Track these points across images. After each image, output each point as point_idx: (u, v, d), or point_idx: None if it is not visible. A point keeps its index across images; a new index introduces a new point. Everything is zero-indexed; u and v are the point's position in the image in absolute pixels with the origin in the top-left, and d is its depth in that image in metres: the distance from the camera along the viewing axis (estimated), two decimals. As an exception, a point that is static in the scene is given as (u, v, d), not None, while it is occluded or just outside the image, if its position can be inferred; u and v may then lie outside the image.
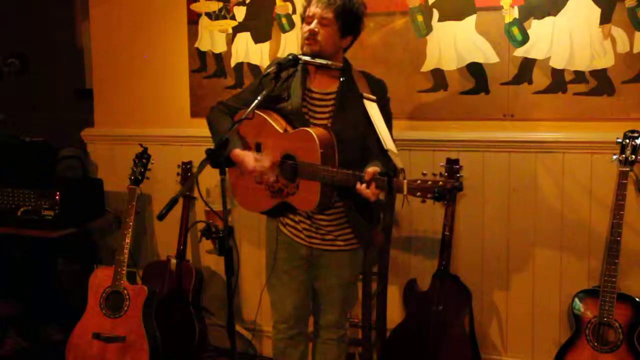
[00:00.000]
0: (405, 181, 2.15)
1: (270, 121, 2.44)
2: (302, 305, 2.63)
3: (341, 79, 2.45)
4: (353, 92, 2.44)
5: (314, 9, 2.38)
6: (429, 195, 2.11)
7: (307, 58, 2.39)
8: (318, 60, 2.40)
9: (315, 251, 2.54)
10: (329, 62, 2.41)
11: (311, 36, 2.37)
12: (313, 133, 2.33)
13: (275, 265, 2.61)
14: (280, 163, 2.43)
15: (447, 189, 2.09)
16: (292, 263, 2.58)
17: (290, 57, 2.39)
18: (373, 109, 2.42)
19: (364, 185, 2.23)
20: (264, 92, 2.32)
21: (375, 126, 2.37)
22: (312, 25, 2.37)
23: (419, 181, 2.13)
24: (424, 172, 2.40)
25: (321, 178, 2.32)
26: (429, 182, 2.11)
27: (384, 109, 2.48)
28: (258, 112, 2.43)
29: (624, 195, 2.64)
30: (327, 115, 2.46)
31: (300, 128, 2.40)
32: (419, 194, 2.13)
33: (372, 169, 2.24)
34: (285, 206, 2.49)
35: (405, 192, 2.15)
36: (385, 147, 2.31)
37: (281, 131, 2.42)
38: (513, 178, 3.07)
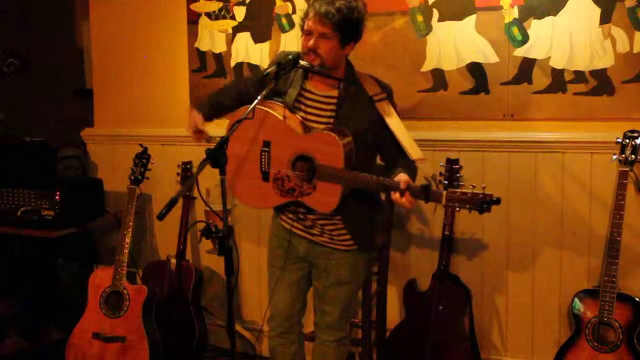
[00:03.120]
0: (445, 192, 2.19)
1: (280, 117, 2.41)
2: (292, 303, 2.62)
3: (341, 87, 2.43)
4: (359, 96, 2.43)
5: (312, 24, 2.33)
6: (467, 206, 2.18)
7: (305, 63, 2.37)
8: (317, 68, 2.38)
9: (313, 248, 2.54)
10: (326, 71, 2.39)
11: (311, 52, 2.35)
12: (336, 137, 2.31)
13: (273, 262, 2.63)
14: (294, 162, 2.41)
15: (486, 202, 2.16)
16: (289, 261, 2.59)
17: (290, 57, 2.39)
18: (390, 115, 2.41)
19: (398, 194, 2.26)
20: (263, 92, 2.31)
21: (395, 135, 2.37)
22: (312, 42, 2.34)
23: (458, 193, 2.19)
24: (432, 175, 2.42)
25: (353, 184, 2.32)
26: (469, 194, 2.18)
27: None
28: (262, 107, 2.42)
29: (624, 195, 2.64)
30: (325, 119, 2.44)
31: (321, 130, 2.38)
32: (457, 205, 2.19)
33: (405, 178, 2.27)
34: (292, 203, 2.49)
35: (443, 203, 2.20)
36: (411, 159, 2.35)
37: (296, 130, 2.39)
38: (513, 178, 3.07)
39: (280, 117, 2.40)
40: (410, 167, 2.40)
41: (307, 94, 2.48)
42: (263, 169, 2.46)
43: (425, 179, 2.24)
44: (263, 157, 2.45)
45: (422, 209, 3.17)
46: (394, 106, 2.50)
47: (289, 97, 2.47)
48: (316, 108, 2.46)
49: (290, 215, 2.56)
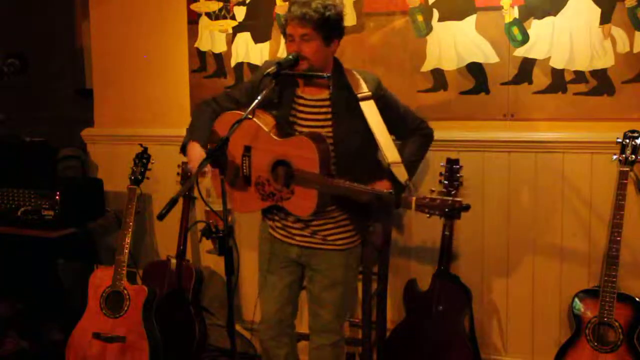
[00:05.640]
0: (414, 199, 2.19)
1: (261, 125, 2.42)
2: (284, 307, 2.62)
3: (330, 85, 2.43)
4: (348, 95, 2.42)
5: (291, 28, 2.35)
6: (437, 213, 2.17)
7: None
8: (304, 72, 2.38)
9: (305, 251, 2.53)
10: (314, 74, 2.38)
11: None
12: (312, 142, 2.31)
13: (264, 266, 2.62)
14: (273, 167, 2.42)
15: (455, 209, 2.16)
16: (280, 264, 2.58)
17: (290, 57, 2.38)
18: (372, 114, 2.40)
19: None
20: (264, 92, 2.31)
21: (375, 137, 2.37)
22: (295, 46, 2.35)
23: (427, 199, 2.19)
24: (432, 189, 2.40)
25: (328, 188, 2.32)
26: (437, 201, 2.17)
27: (388, 101, 2.48)
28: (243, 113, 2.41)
29: (624, 195, 2.64)
30: (321, 123, 2.44)
31: (298, 135, 2.38)
32: (427, 211, 2.19)
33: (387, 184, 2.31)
34: (276, 208, 2.49)
35: (413, 209, 2.20)
36: (387, 162, 2.34)
37: (273, 136, 2.39)
38: (513, 178, 3.07)
39: (259, 123, 2.40)
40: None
41: (300, 101, 2.47)
42: (244, 173, 2.46)
43: (396, 188, 2.25)
44: (244, 162, 2.45)
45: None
46: (385, 91, 2.48)
47: (283, 106, 2.46)
48: (310, 113, 2.46)
49: (278, 224, 2.56)
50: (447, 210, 2.16)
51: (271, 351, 2.66)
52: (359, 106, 2.41)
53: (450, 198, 2.19)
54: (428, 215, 2.21)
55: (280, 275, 2.59)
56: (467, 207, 2.18)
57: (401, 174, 2.32)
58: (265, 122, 2.44)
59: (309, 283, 2.60)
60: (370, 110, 2.41)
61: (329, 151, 2.37)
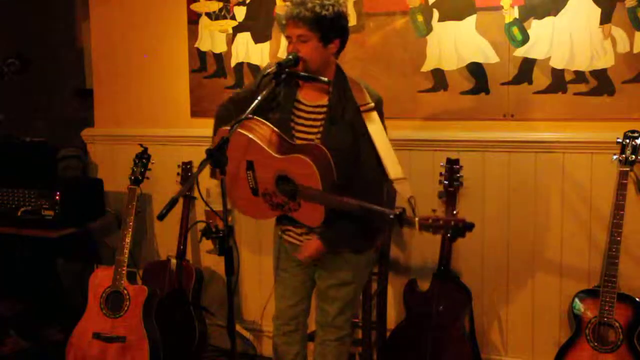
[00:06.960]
0: (417, 219, 2.17)
1: (257, 140, 2.39)
2: (298, 303, 2.63)
3: (330, 91, 2.39)
4: (346, 103, 2.38)
5: (289, 30, 2.33)
6: (441, 232, 2.17)
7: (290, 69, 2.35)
8: (303, 74, 2.36)
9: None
10: (316, 77, 2.36)
11: None
12: (310, 162, 2.29)
13: (279, 264, 2.63)
14: (277, 183, 2.41)
15: (459, 229, 2.13)
16: (293, 262, 2.59)
17: (290, 57, 2.37)
18: (375, 126, 2.35)
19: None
20: (264, 92, 2.29)
21: (378, 151, 2.32)
22: (291, 47, 2.33)
23: (430, 220, 2.16)
24: (434, 209, 2.36)
25: (332, 206, 2.31)
26: (441, 222, 2.15)
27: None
28: (242, 131, 2.38)
29: (624, 195, 2.64)
30: (316, 130, 2.41)
31: (295, 154, 2.35)
32: (431, 231, 2.17)
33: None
34: (286, 217, 2.49)
35: (417, 229, 2.18)
36: (390, 178, 2.30)
37: (271, 151, 2.37)
38: (513, 178, 3.07)
39: (255, 138, 2.38)
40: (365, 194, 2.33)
41: (299, 105, 2.45)
42: (251, 186, 2.46)
43: (397, 210, 2.24)
44: (249, 176, 2.45)
45: (422, 209, 3.16)
46: (382, 116, 2.43)
47: (283, 111, 2.44)
48: (308, 119, 2.43)
49: (291, 233, 2.56)
50: (451, 231, 2.14)
51: (282, 347, 2.67)
52: (357, 118, 2.36)
53: (453, 218, 2.17)
54: (434, 234, 2.20)
55: (294, 273, 2.61)
56: (471, 226, 2.13)
57: (404, 190, 2.29)
58: (262, 136, 2.40)
59: (318, 280, 2.60)
60: (373, 123, 2.36)
61: (330, 163, 2.32)
